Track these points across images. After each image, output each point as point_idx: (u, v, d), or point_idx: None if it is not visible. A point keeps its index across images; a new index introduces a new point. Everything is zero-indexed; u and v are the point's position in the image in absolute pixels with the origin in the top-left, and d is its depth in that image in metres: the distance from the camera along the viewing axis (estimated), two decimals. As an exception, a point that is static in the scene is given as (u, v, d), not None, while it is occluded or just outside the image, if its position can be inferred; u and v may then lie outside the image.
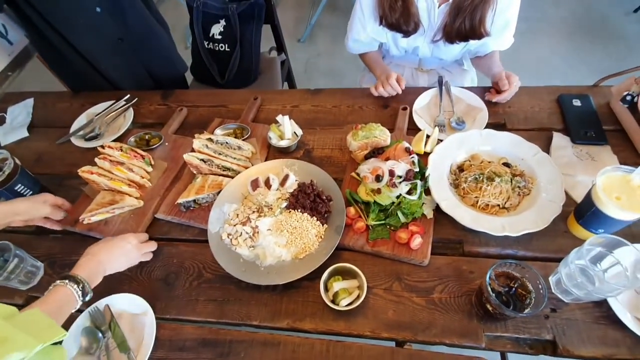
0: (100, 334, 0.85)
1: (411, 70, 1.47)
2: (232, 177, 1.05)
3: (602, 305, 0.79)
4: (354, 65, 2.93)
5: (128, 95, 1.40)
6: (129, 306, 0.89)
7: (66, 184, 1.21)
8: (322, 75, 2.98)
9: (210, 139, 1.09)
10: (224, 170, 1.06)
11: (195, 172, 1.08)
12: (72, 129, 1.34)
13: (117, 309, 0.89)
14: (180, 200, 1.00)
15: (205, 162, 1.04)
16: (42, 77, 1.71)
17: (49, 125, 1.42)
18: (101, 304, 0.90)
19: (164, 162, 1.16)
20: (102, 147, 1.10)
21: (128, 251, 0.90)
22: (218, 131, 1.19)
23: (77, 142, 1.30)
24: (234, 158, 1.09)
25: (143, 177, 1.10)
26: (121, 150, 1.10)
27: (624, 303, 0.77)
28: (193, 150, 1.07)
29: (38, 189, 1.15)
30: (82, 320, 0.88)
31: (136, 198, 1.07)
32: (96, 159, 1.09)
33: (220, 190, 1.02)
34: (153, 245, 0.97)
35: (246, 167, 1.08)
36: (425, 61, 1.40)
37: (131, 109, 1.36)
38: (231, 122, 1.23)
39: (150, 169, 1.14)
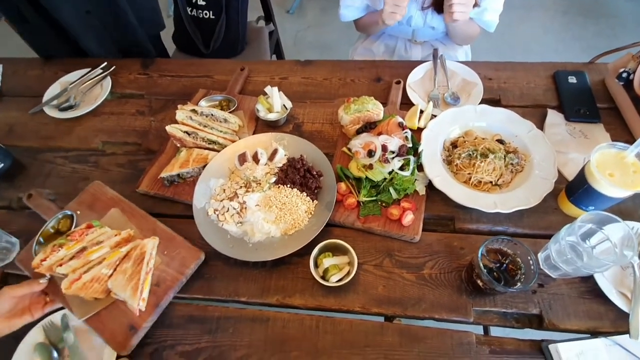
0: (55, 354, 0.77)
1: (404, 42, 1.42)
2: (218, 151, 1.00)
3: (588, 281, 0.80)
4: (345, 38, 2.84)
5: (105, 63, 1.31)
6: None
7: (39, 157, 1.14)
8: (312, 48, 2.88)
9: (194, 111, 1.03)
10: (209, 144, 1.02)
11: (179, 145, 1.03)
12: (44, 99, 1.25)
13: (77, 321, 0.80)
14: (163, 175, 0.96)
15: (189, 134, 0.99)
16: (9, 42, 1.58)
17: (20, 94, 1.32)
18: (57, 316, 0.81)
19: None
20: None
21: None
22: (203, 103, 1.13)
23: (50, 112, 1.21)
24: (220, 131, 1.04)
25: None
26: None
27: (610, 278, 0.79)
28: (176, 123, 1.01)
29: (10, 162, 1.08)
30: (35, 336, 0.79)
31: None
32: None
33: (206, 165, 0.97)
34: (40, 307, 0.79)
35: (233, 141, 1.03)
36: (419, 32, 1.35)
37: (109, 77, 1.28)
38: (217, 93, 1.17)
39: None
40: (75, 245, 0.80)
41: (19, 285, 0.78)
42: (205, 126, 1.02)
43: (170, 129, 0.98)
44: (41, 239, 0.89)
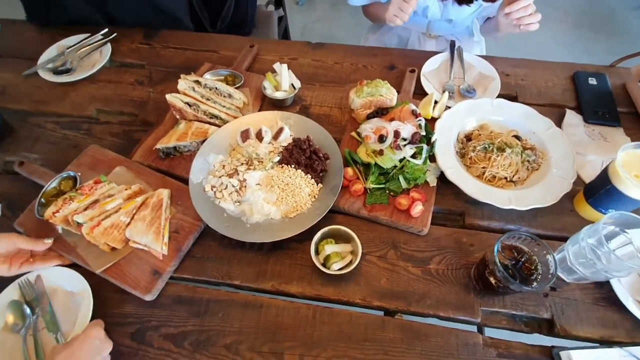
0: (28, 311, 0.74)
1: (418, 35, 1.37)
2: (219, 126, 0.94)
3: (604, 287, 0.76)
4: (354, 32, 2.79)
5: (106, 30, 1.24)
6: (65, 282, 0.78)
7: (31, 121, 1.07)
8: (320, 41, 2.83)
9: (198, 82, 0.97)
10: (210, 118, 0.96)
11: (178, 116, 0.97)
12: (40, 61, 1.19)
13: (52, 283, 0.78)
14: (159, 146, 0.90)
15: (190, 106, 0.93)
16: (6, 1, 1.51)
17: (14, 55, 1.25)
18: (33, 275, 0.78)
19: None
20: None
21: (98, 350, 0.68)
22: (207, 76, 1.07)
23: (45, 75, 1.15)
24: (223, 106, 0.98)
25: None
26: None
27: (627, 285, 0.74)
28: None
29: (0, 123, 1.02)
30: (10, 293, 0.76)
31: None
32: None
33: (205, 140, 0.91)
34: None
35: (236, 118, 0.98)
36: (434, 25, 1.30)
37: (109, 45, 1.21)
38: (223, 68, 1.11)
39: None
40: (86, 198, 0.80)
41: (25, 238, 0.76)
42: (207, 99, 0.96)
43: (170, 97, 0.92)
44: (42, 200, 0.84)
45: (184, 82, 0.94)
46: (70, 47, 1.21)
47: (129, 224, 0.79)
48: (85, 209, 0.79)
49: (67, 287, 0.77)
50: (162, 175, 0.90)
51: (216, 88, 1.00)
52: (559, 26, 2.85)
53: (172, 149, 0.92)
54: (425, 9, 1.21)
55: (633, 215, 0.66)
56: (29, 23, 1.34)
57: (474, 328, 0.75)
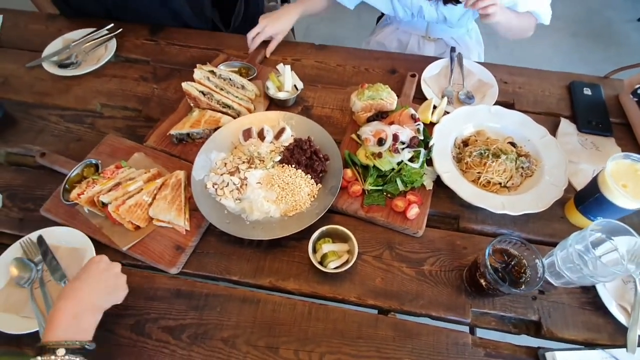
0: (33, 265, 0.79)
1: (417, 38, 1.39)
2: (232, 116, 0.99)
3: (589, 292, 0.78)
4: (357, 33, 2.81)
5: (112, 25, 1.26)
6: (66, 240, 0.82)
7: (33, 112, 1.09)
8: (323, 42, 2.84)
9: (212, 72, 1.01)
10: (223, 107, 1.00)
11: (192, 104, 1.00)
12: (44, 54, 1.20)
13: (54, 242, 0.82)
14: (173, 132, 0.94)
15: (204, 95, 0.98)
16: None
17: (19, 47, 1.26)
18: (34, 235, 0.82)
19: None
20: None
21: (106, 269, 0.70)
22: (222, 67, 1.10)
23: (49, 68, 1.16)
24: (236, 97, 1.02)
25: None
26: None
27: (611, 291, 0.77)
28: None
29: (1, 114, 1.03)
30: (13, 252, 0.81)
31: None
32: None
33: (217, 128, 0.95)
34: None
35: (248, 108, 1.01)
36: (433, 28, 1.32)
37: (114, 40, 1.23)
38: (237, 60, 1.15)
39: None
40: (109, 181, 0.84)
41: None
42: (221, 89, 1.01)
43: (186, 85, 0.96)
44: (67, 186, 0.88)
45: (200, 72, 0.98)
46: (76, 40, 1.22)
47: (151, 203, 0.84)
48: (109, 191, 0.83)
49: (69, 244, 0.82)
50: (178, 159, 0.95)
51: (230, 79, 1.03)
52: (557, 35, 2.89)
53: (185, 135, 0.96)
54: (420, 9, 1.22)
55: (619, 224, 0.69)
56: (33, 14, 1.35)
57: (466, 328, 0.78)
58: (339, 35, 2.81)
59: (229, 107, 0.99)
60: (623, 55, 2.75)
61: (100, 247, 0.83)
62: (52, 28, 1.30)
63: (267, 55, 1.22)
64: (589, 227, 0.69)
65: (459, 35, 1.35)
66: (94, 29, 1.25)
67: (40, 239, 0.82)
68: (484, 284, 0.71)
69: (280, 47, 1.25)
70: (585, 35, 2.88)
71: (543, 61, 2.72)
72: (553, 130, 1.03)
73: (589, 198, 0.80)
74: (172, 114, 1.03)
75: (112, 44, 1.22)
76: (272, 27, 1.17)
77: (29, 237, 0.83)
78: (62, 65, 1.16)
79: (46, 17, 1.35)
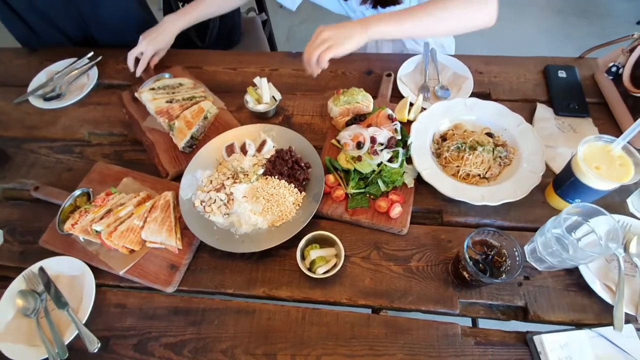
0: (37, 296, 0.82)
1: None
2: (209, 100, 1.06)
3: (573, 274, 0.80)
4: (339, 33, 2.81)
5: (92, 53, 1.28)
6: (65, 269, 0.86)
7: (24, 147, 1.12)
8: (305, 44, 2.85)
9: (152, 88, 1.06)
10: (191, 100, 1.05)
11: (167, 121, 1.02)
12: (30, 88, 1.23)
13: (54, 271, 0.86)
14: (181, 145, 0.99)
15: (172, 102, 1.03)
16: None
17: (4, 83, 1.30)
18: (35, 267, 0.86)
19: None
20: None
21: None
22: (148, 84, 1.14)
23: (35, 102, 1.19)
24: (186, 91, 1.07)
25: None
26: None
27: (594, 271, 0.79)
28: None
29: (-4, 152, 1.07)
30: (17, 285, 0.85)
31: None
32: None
33: (206, 116, 1.03)
34: None
35: (204, 95, 1.08)
36: None
37: (95, 67, 1.25)
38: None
39: None
40: (100, 209, 0.88)
41: None
42: (173, 93, 1.06)
43: (153, 105, 1.01)
44: (61, 217, 0.91)
45: (147, 93, 1.03)
46: (59, 72, 1.25)
47: (142, 227, 0.86)
48: (101, 219, 0.87)
49: (69, 273, 0.85)
50: (166, 180, 0.99)
51: (167, 85, 1.08)
52: (540, 13, 2.88)
53: (191, 140, 1.01)
54: (362, 14, 1.21)
55: (593, 206, 0.70)
56: (15, 50, 1.38)
57: (457, 320, 0.80)
58: (322, 35, 2.82)
59: (193, 98, 1.06)
60: (608, 27, 2.74)
61: (99, 273, 0.86)
62: (35, 61, 1.33)
63: (138, 75, 1.19)
64: (562, 213, 0.70)
65: None
66: (75, 58, 1.28)
67: (42, 270, 0.86)
68: (467, 276, 0.73)
69: (257, 59, 1.28)
70: (571, 10, 2.87)
71: (528, 41, 2.72)
72: (530, 117, 1.04)
73: (565, 182, 0.82)
74: (155, 147, 1.04)
75: (94, 72, 1.24)
76: (153, 46, 1.16)
77: (31, 269, 0.86)
78: (47, 98, 1.19)
79: (27, 52, 1.38)
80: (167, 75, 1.13)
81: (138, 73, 1.18)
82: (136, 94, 1.06)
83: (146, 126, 1.07)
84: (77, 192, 0.94)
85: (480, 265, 0.72)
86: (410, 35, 0.92)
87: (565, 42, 2.69)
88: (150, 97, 1.02)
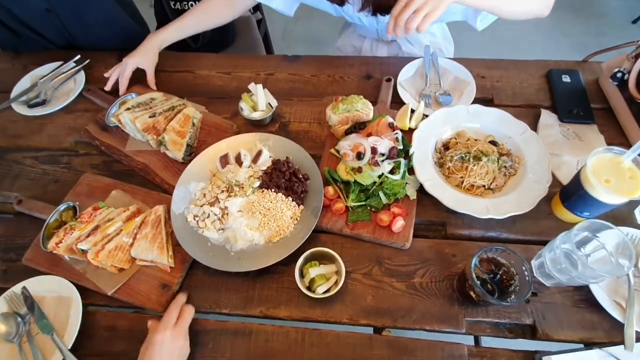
0: (19, 319, 0.78)
1: (371, 41, 1.36)
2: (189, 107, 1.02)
3: (582, 289, 0.78)
4: (335, 32, 2.77)
5: (79, 56, 1.23)
6: (50, 289, 0.81)
7: (8, 157, 1.06)
8: (302, 42, 2.81)
9: (127, 108, 1.00)
10: (173, 110, 1.01)
11: (155, 137, 0.97)
12: (13, 94, 1.17)
13: (39, 292, 0.81)
14: (181, 156, 0.95)
15: (155, 115, 0.98)
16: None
17: (-13, 89, 1.24)
18: (18, 287, 0.82)
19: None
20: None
21: (183, 347, 0.72)
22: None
23: (19, 109, 1.13)
24: (162, 104, 1.04)
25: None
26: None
27: (604, 287, 0.76)
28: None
29: (-26, 163, 1.01)
30: None
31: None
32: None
33: (194, 121, 0.99)
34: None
35: (182, 103, 1.05)
36: (383, 31, 1.29)
37: (82, 72, 1.20)
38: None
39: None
40: (87, 225, 0.83)
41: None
42: (150, 107, 1.01)
43: (139, 124, 0.95)
44: (46, 233, 0.86)
45: (125, 114, 0.97)
46: (44, 77, 1.19)
47: (132, 244, 0.82)
48: (88, 236, 0.81)
49: (54, 293, 0.81)
50: (157, 192, 0.93)
51: (139, 102, 1.03)
52: (537, 11, 2.85)
53: (189, 148, 0.97)
54: (359, 19, 1.18)
55: (601, 222, 0.68)
56: (-1, 54, 1.32)
57: (462, 339, 0.77)
58: (317, 34, 2.78)
59: (173, 107, 1.02)
60: (604, 25, 2.72)
61: (87, 293, 0.82)
62: (18, 65, 1.28)
63: (108, 88, 1.14)
64: (574, 229, 0.68)
65: (413, 36, 1.31)
66: (61, 62, 1.22)
67: (25, 290, 0.81)
68: (473, 296, 0.70)
69: (252, 63, 1.23)
70: (567, 8, 2.85)
71: (524, 38, 2.70)
72: (534, 123, 1.01)
73: (573, 195, 0.79)
74: (153, 165, 0.99)
75: (81, 76, 1.19)
76: (133, 59, 1.11)
77: (13, 289, 0.82)
78: (31, 104, 1.13)
79: (12, 55, 1.32)
80: (132, 95, 1.07)
81: (122, 91, 1.12)
82: (112, 119, 1.00)
83: (130, 150, 1.01)
84: (62, 207, 0.89)
85: (489, 285, 0.69)
86: (488, 5, 0.92)
87: (562, 41, 2.67)
88: (131, 116, 0.95)
